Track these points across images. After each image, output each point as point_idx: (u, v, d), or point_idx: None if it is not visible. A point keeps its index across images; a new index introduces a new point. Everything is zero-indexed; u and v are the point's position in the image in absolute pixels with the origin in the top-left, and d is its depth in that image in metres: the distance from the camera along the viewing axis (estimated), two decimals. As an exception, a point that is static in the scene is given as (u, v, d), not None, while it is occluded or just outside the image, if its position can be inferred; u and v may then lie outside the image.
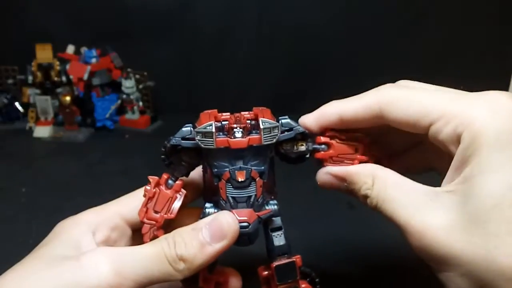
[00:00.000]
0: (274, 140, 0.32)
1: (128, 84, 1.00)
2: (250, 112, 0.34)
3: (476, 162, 0.26)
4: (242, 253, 0.36)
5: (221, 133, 0.32)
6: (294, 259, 0.34)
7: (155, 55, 1.07)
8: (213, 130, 0.31)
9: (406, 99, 0.31)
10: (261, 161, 0.33)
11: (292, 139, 0.35)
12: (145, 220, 0.34)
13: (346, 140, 0.35)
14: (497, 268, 0.25)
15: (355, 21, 1.03)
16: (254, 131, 0.32)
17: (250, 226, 0.32)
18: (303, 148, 0.35)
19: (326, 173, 0.35)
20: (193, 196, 0.38)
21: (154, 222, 0.34)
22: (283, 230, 0.35)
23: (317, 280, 0.36)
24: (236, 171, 0.32)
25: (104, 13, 1.04)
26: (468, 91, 0.30)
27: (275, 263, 0.34)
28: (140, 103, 1.02)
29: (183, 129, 0.33)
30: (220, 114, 0.33)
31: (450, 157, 0.29)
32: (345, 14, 1.03)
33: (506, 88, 1.04)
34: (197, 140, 0.32)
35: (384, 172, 0.32)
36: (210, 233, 0.31)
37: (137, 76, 1.02)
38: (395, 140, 0.38)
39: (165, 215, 0.34)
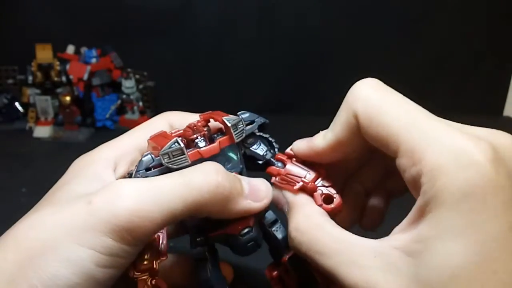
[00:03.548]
0: (244, 135, 0.31)
1: (128, 84, 1.00)
2: (199, 120, 0.32)
3: (434, 224, 0.23)
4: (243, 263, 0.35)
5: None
6: None
7: (155, 55, 1.06)
8: (182, 145, 0.28)
9: (377, 112, 0.27)
10: (236, 161, 0.32)
11: (256, 136, 0.34)
12: (135, 274, 0.28)
13: (301, 163, 0.33)
14: None
15: (355, 21, 1.03)
16: (215, 135, 0.31)
17: (253, 230, 0.30)
18: (261, 151, 0.34)
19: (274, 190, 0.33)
20: (174, 229, 0.35)
21: (147, 273, 0.28)
22: (279, 221, 0.33)
23: None
24: None
25: (104, 13, 1.04)
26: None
27: (287, 256, 0.32)
28: (140, 103, 1.02)
29: (143, 159, 0.30)
30: (169, 132, 0.31)
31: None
32: (345, 14, 1.03)
33: (505, 89, 1.05)
34: (165, 164, 0.29)
35: (321, 219, 0.29)
36: (249, 190, 0.29)
37: (137, 76, 1.02)
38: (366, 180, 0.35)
39: (157, 261, 0.29)
